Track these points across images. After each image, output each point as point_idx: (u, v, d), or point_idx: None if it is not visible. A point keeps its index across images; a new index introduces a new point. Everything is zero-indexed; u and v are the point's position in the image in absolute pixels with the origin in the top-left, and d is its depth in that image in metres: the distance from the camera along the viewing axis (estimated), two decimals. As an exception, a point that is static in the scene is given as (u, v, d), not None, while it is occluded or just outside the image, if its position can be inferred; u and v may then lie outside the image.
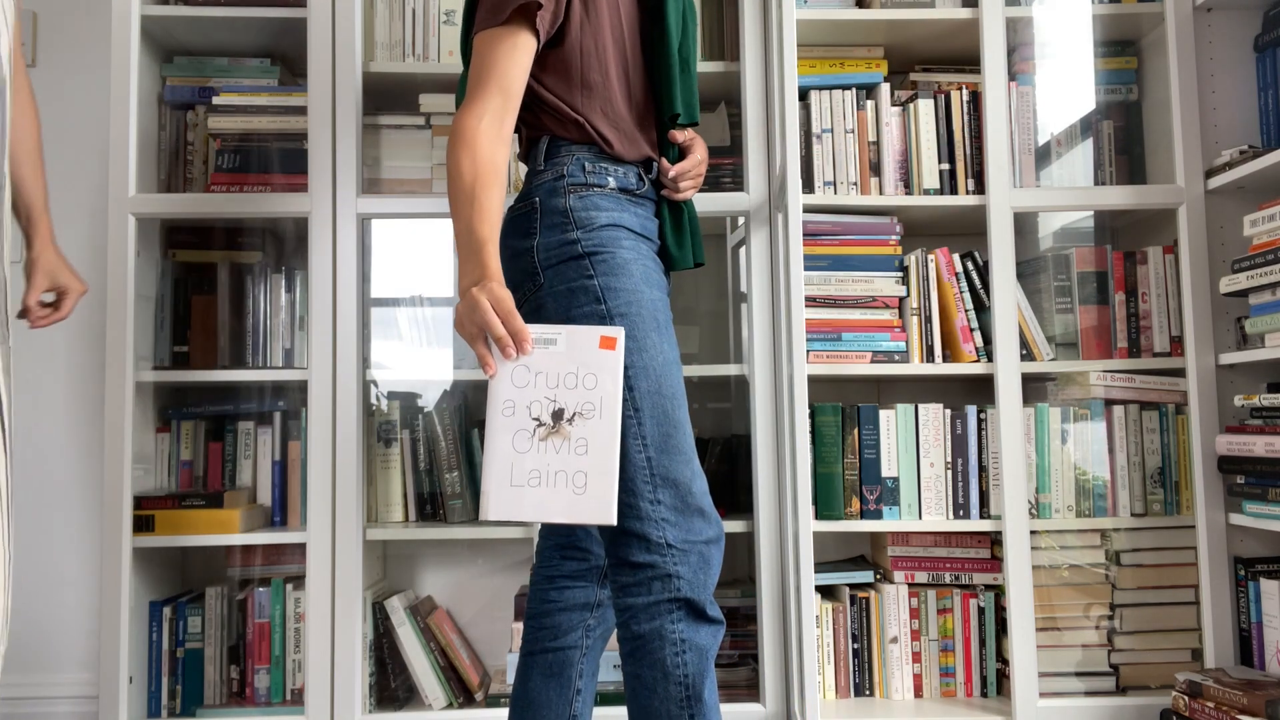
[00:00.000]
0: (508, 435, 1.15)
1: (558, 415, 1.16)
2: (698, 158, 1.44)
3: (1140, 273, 2.00)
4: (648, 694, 1.20)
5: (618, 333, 1.18)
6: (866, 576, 2.01)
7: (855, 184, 1.99)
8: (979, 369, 1.94)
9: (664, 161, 1.40)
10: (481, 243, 1.18)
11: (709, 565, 1.23)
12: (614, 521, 1.14)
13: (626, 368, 1.23)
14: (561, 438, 1.15)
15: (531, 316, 1.29)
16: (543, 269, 1.29)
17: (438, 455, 2.01)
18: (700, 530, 1.23)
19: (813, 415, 1.95)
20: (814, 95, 1.99)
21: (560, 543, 1.41)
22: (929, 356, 1.96)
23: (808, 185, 2.00)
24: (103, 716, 1.82)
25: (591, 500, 1.14)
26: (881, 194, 1.98)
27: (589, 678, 1.40)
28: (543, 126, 1.35)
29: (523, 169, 2.02)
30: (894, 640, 1.96)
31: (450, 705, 1.93)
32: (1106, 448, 1.95)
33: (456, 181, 1.21)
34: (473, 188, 1.19)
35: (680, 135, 1.41)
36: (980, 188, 1.98)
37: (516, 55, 1.25)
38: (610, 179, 1.33)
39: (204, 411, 2.06)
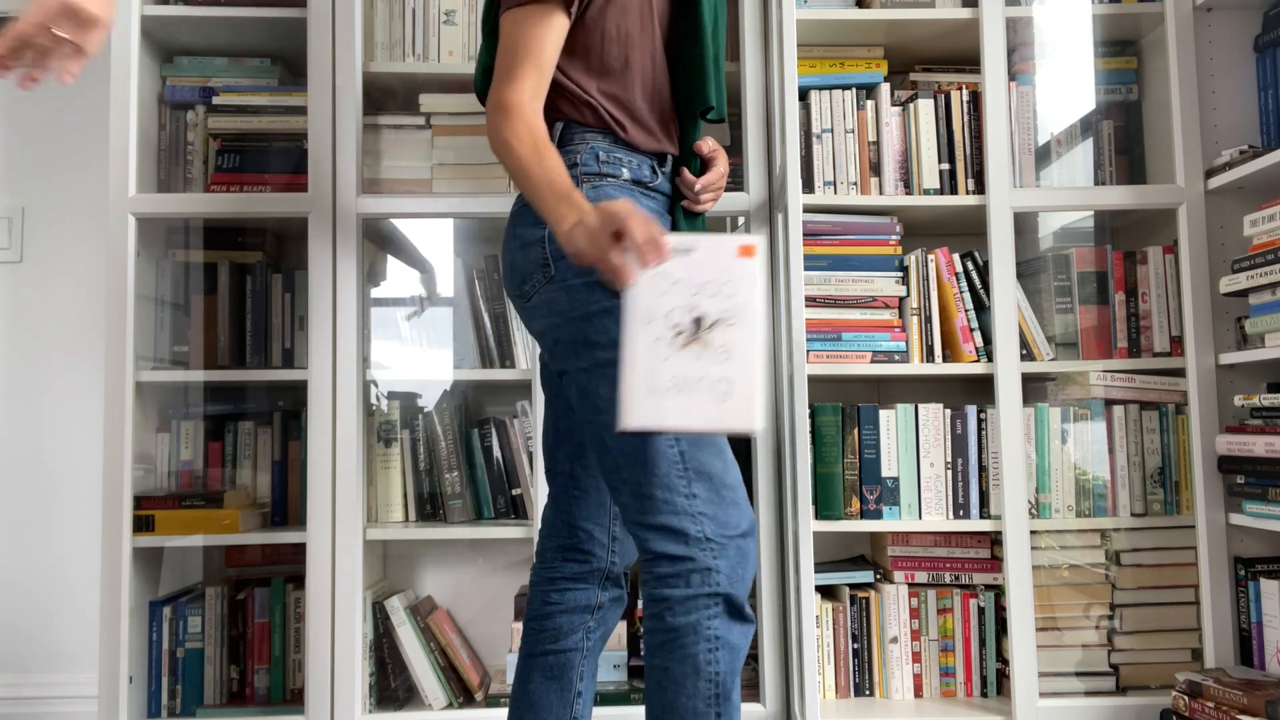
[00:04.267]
0: (646, 343, 1.11)
1: (698, 322, 1.12)
2: (720, 170, 1.41)
3: (1140, 273, 2.00)
4: (675, 689, 1.18)
5: (756, 240, 1.13)
6: (866, 576, 2.01)
7: (855, 184, 1.99)
8: (979, 369, 1.94)
9: (686, 173, 1.38)
10: (567, 189, 1.17)
11: (746, 560, 1.21)
12: (759, 428, 1.09)
13: None
14: (701, 345, 1.11)
15: (541, 309, 1.27)
16: (554, 260, 1.25)
17: (438, 455, 2.01)
18: (736, 523, 1.21)
19: (813, 415, 1.95)
20: (814, 95, 1.99)
21: (562, 544, 1.40)
22: (929, 356, 1.96)
23: (808, 185, 2.00)
24: (103, 716, 1.82)
25: (737, 407, 1.09)
26: (881, 194, 1.98)
27: (589, 679, 1.39)
28: (557, 110, 1.32)
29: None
30: (894, 640, 1.96)
31: (450, 705, 1.93)
32: (1106, 448, 1.95)
33: (516, 148, 1.19)
34: (536, 149, 1.19)
35: (705, 147, 1.39)
36: (980, 188, 1.98)
37: (550, 35, 1.24)
38: (624, 169, 1.30)
39: (204, 411, 2.06)
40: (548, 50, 1.24)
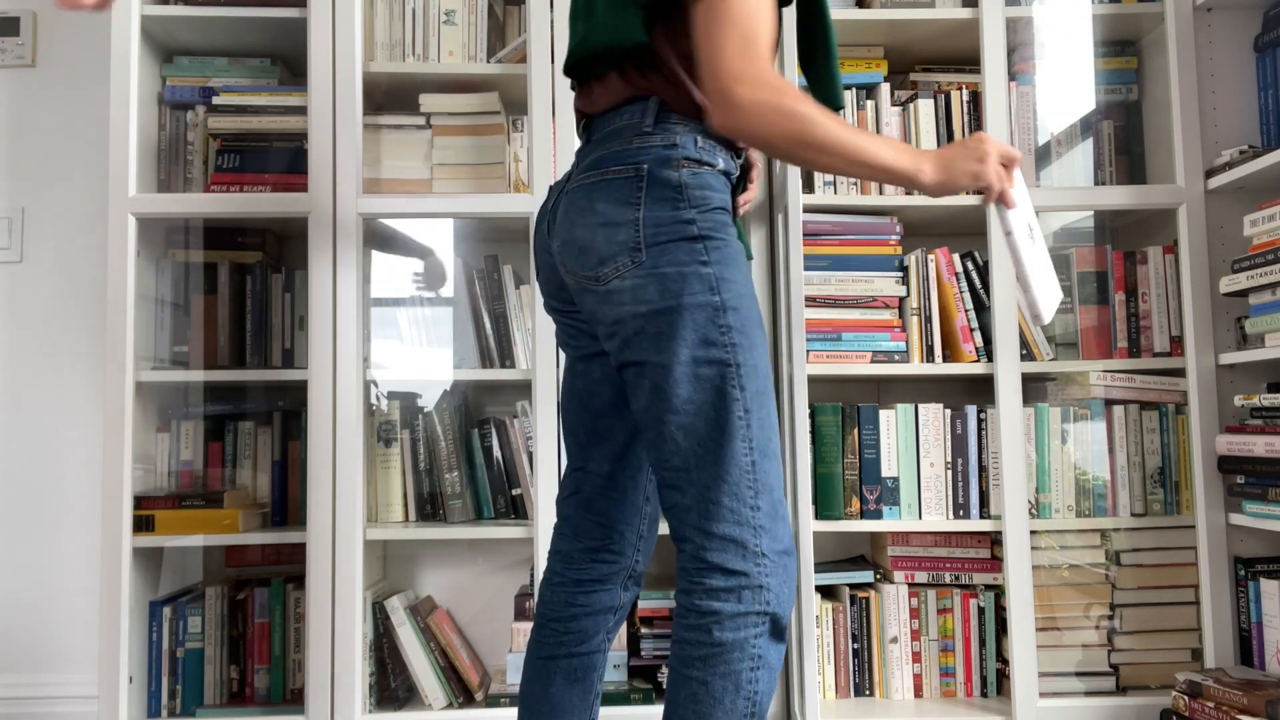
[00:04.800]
0: (1029, 251, 1.31)
1: (1030, 229, 1.32)
2: (754, 182, 1.43)
3: (1140, 273, 2.00)
4: (713, 703, 1.15)
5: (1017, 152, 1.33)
6: (866, 576, 2.00)
7: (855, 184, 1.98)
8: (979, 369, 1.94)
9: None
10: (899, 142, 1.18)
11: (790, 578, 1.19)
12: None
13: (739, 366, 1.18)
14: (1038, 245, 1.34)
15: (621, 296, 1.18)
16: (646, 246, 1.17)
17: (438, 455, 2.01)
18: (783, 538, 1.19)
19: (813, 415, 1.95)
20: (814, 95, 1.99)
21: (594, 546, 1.36)
22: (929, 356, 1.96)
23: (808, 185, 1.99)
24: (103, 716, 1.82)
25: (1058, 288, 1.37)
26: (881, 194, 1.98)
27: (602, 679, 1.38)
28: (651, 87, 1.22)
29: (525, 154, 2.02)
30: (894, 640, 1.96)
31: (450, 705, 1.93)
32: (1106, 448, 1.95)
33: (823, 119, 1.13)
34: (835, 118, 1.14)
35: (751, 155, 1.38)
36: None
37: (772, 13, 1.18)
38: (719, 159, 1.24)
39: (204, 411, 2.06)
40: (772, 29, 1.17)
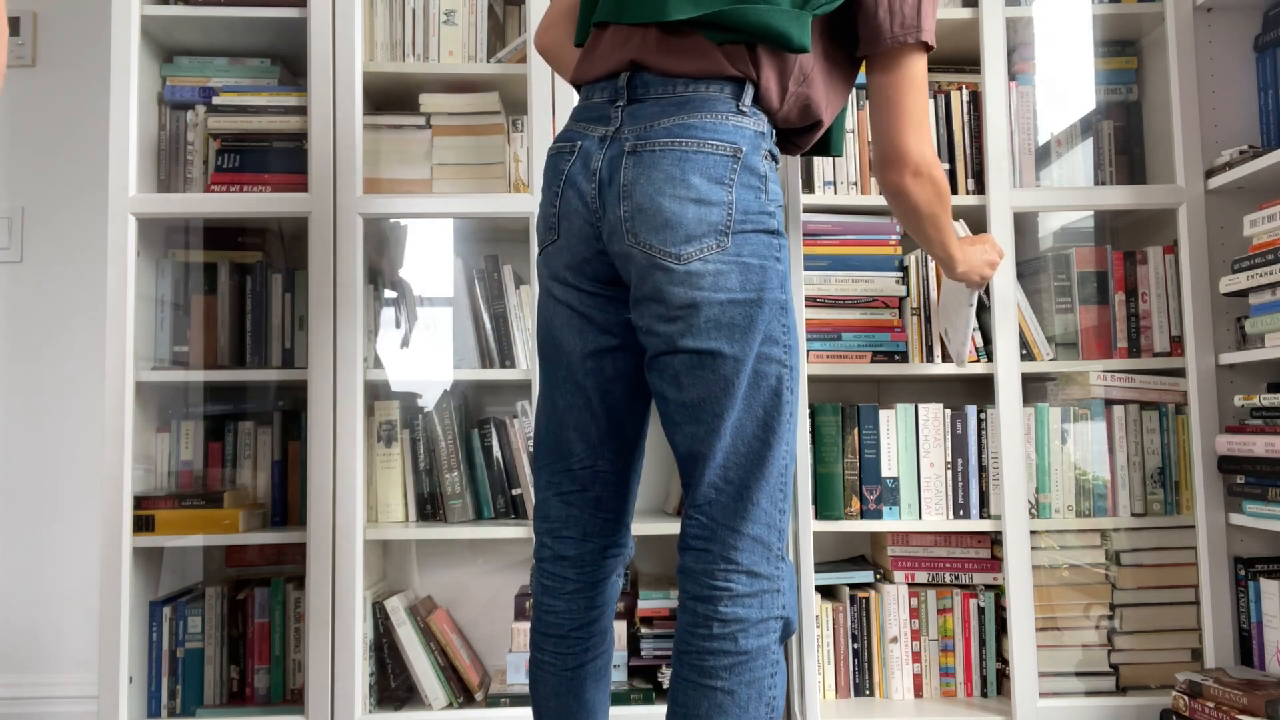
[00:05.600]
0: (971, 313, 1.78)
1: (971, 302, 1.77)
2: None
3: (1140, 273, 2.00)
4: (739, 712, 1.13)
5: None
6: (866, 576, 2.00)
7: (855, 184, 1.98)
8: (979, 369, 1.94)
9: None
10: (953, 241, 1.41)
11: (794, 583, 1.19)
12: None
13: (791, 369, 1.18)
14: (971, 310, 1.78)
15: (701, 280, 1.13)
16: (733, 233, 1.13)
17: (438, 455, 2.01)
18: (786, 542, 1.19)
19: (813, 415, 1.95)
20: (814, 95, 1.99)
21: (607, 544, 1.33)
22: (929, 356, 1.96)
23: (808, 185, 1.99)
24: (103, 716, 1.82)
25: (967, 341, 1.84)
26: (881, 194, 1.98)
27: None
28: (756, 77, 1.18)
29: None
30: (894, 640, 1.96)
31: (450, 705, 1.93)
32: (1106, 448, 1.95)
33: (947, 200, 1.30)
34: (948, 201, 1.32)
35: None
36: (980, 187, 1.98)
37: None
38: (778, 158, 1.23)
39: (204, 411, 2.06)
40: None
